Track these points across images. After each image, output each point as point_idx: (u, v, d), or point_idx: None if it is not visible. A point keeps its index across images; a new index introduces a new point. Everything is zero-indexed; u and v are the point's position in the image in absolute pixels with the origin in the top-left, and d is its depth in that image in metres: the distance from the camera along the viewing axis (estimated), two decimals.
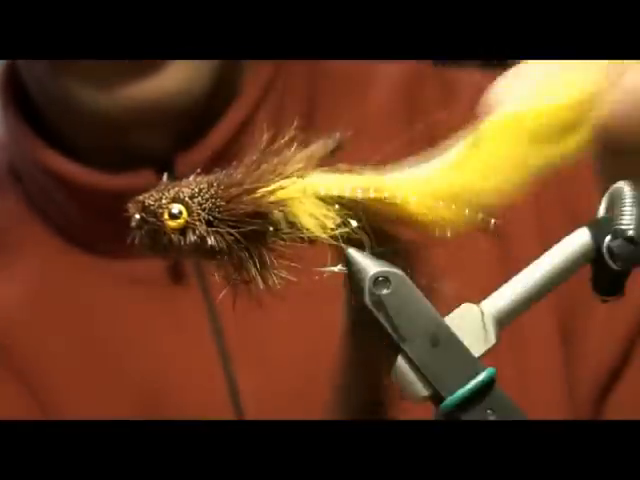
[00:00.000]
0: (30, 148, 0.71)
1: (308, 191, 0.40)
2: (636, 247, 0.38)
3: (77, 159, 0.70)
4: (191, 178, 0.41)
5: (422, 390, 0.38)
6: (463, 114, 0.74)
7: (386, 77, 0.77)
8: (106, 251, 0.70)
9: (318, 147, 0.43)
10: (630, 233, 0.38)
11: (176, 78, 0.65)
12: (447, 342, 0.38)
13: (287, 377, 0.67)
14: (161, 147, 0.68)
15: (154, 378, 0.67)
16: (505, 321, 0.39)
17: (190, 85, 0.66)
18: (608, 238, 0.38)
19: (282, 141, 0.42)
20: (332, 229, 0.39)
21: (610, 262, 0.38)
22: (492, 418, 0.38)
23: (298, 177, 0.41)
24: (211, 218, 0.40)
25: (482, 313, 0.39)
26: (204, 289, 0.68)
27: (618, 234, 0.38)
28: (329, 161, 0.43)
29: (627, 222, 0.38)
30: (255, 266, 0.40)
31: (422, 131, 0.74)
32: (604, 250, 0.39)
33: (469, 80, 0.77)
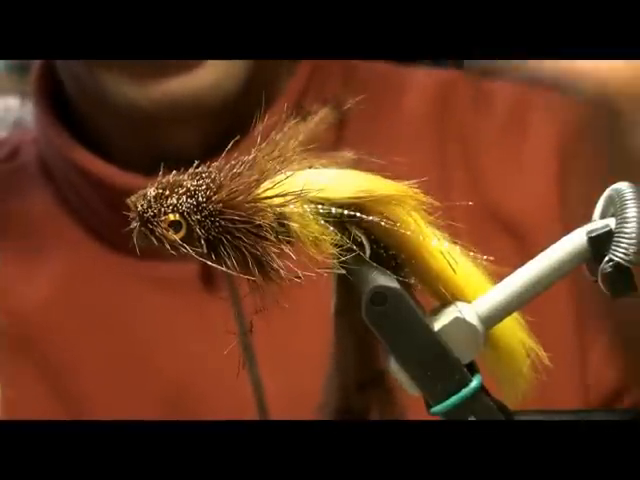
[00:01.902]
0: (60, 145, 0.71)
1: (309, 195, 0.40)
2: (628, 279, 0.38)
3: (109, 159, 0.70)
4: (192, 183, 0.41)
5: (414, 391, 0.39)
6: (496, 125, 0.74)
7: (420, 85, 0.77)
8: (135, 252, 0.70)
9: (319, 119, 0.43)
10: (625, 263, 0.38)
11: (209, 74, 0.66)
12: (438, 356, 0.39)
13: (314, 380, 0.67)
14: (193, 149, 0.68)
15: (179, 379, 0.68)
16: (497, 319, 0.40)
17: (223, 82, 0.66)
18: (605, 260, 0.38)
19: (282, 137, 0.42)
20: (333, 245, 0.39)
21: (604, 288, 0.38)
22: None
23: (300, 168, 0.41)
24: (211, 237, 0.40)
25: (473, 325, 0.39)
26: (232, 291, 0.68)
27: (614, 262, 0.38)
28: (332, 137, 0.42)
29: (623, 251, 0.38)
30: (254, 269, 0.40)
31: (455, 138, 0.74)
32: (599, 274, 0.38)
33: (503, 91, 0.77)
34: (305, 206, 0.40)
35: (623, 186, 0.39)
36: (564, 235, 0.38)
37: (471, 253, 0.41)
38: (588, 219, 0.40)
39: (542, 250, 0.40)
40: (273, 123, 0.43)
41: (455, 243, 0.41)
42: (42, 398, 0.68)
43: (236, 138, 0.67)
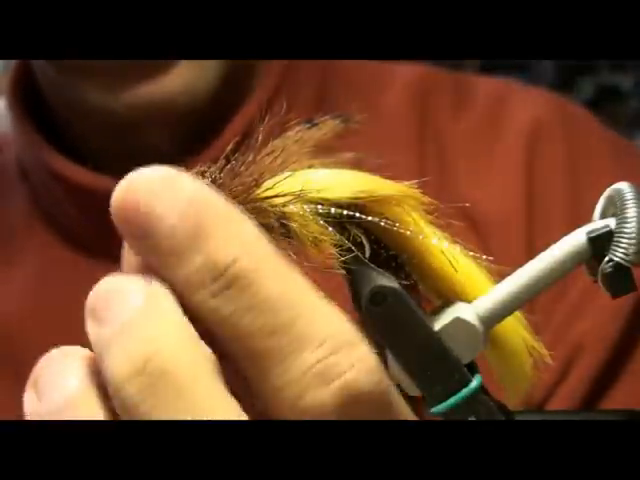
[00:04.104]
0: (31, 146, 0.71)
1: (308, 196, 0.40)
2: (628, 279, 0.38)
3: (83, 161, 0.70)
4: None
5: (413, 391, 0.39)
6: (472, 123, 0.73)
7: (398, 82, 0.76)
8: (109, 255, 0.70)
9: (324, 129, 0.43)
10: (625, 263, 0.38)
11: (182, 77, 0.65)
12: (438, 356, 0.39)
13: None
14: (167, 149, 0.68)
15: None
16: (497, 319, 0.40)
17: (197, 84, 0.66)
18: (605, 260, 0.38)
19: (282, 137, 0.42)
20: (333, 245, 0.39)
21: (604, 288, 0.38)
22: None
23: (298, 168, 0.41)
24: None
25: (473, 325, 0.39)
26: None
27: (614, 262, 0.38)
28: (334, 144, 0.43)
29: (623, 251, 0.38)
30: None
31: (432, 138, 0.73)
32: (599, 274, 0.38)
33: (483, 88, 0.77)
34: (305, 206, 0.40)
35: (623, 186, 0.39)
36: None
37: (471, 252, 0.41)
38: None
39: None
40: (267, 125, 0.42)
41: (455, 242, 0.41)
42: (16, 404, 0.68)
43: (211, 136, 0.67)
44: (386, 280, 0.39)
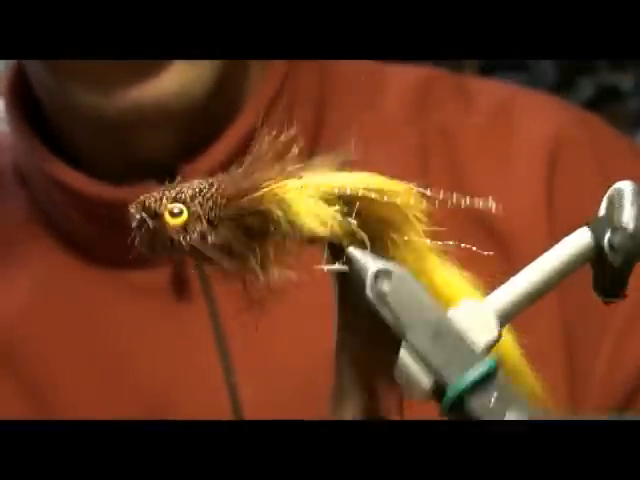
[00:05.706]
0: (33, 154, 0.70)
1: (308, 189, 0.40)
2: (635, 242, 0.38)
3: (80, 165, 0.70)
4: (195, 181, 0.41)
5: (426, 380, 0.38)
6: (481, 126, 0.73)
7: (398, 83, 0.76)
8: (109, 260, 0.70)
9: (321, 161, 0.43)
10: (630, 228, 0.38)
11: (177, 79, 0.65)
12: (449, 334, 0.38)
13: (290, 389, 0.67)
14: (165, 152, 0.68)
15: (156, 388, 0.67)
16: (506, 318, 0.40)
17: (190, 86, 0.65)
18: (608, 233, 0.39)
19: (282, 142, 0.42)
20: (332, 226, 0.39)
21: (610, 256, 0.38)
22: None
23: (297, 177, 0.41)
24: (211, 217, 0.40)
25: (483, 308, 0.39)
26: (208, 299, 0.68)
27: (618, 230, 0.38)
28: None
29: (627, 218, 0.38)
30: (256, 265, 0.40)
31: (436, 141, 0.73)
32: (605, 244, 0.39)
33: (488, 90, 0.76)
34: (305, 204, 0.40)
35: (623, 186, 0.40)
36: (549, 243, 0.38)
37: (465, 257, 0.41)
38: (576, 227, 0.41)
39: (527, 258, 0.40)
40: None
41: (449, 245, 0.41)
42: (18, 408, 0.68)
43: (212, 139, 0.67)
44: (389, 265, 0.39)
